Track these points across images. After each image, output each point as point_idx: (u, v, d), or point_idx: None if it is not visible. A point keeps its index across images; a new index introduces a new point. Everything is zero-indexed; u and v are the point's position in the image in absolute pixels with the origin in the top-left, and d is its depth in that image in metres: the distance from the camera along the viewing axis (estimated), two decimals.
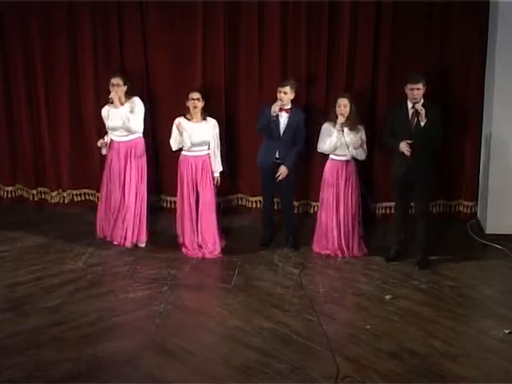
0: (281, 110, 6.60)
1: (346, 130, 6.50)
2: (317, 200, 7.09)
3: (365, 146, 6.66)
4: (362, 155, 6.67)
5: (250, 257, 6.66)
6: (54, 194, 7.91)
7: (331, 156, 6.69)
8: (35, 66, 7.64)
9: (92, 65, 7.55)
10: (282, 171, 6.68)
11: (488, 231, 7.11)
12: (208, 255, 6.63)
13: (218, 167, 6.79)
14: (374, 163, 7.37)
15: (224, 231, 6.96)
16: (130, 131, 6.77)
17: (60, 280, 6.09)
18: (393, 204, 7.13)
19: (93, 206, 7.48)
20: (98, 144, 6.90)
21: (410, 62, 7.12)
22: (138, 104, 6.80)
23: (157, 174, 7.60)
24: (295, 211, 7.44)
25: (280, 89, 6.58)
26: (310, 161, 7.39)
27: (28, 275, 6.18)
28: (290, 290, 6.00)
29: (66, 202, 7.92)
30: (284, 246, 6.90)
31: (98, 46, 7.52)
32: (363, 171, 6.97)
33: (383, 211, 7.59)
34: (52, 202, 7.93)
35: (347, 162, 6.65)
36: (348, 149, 6.53)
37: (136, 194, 6.80)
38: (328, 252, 6.70)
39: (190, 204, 6.70)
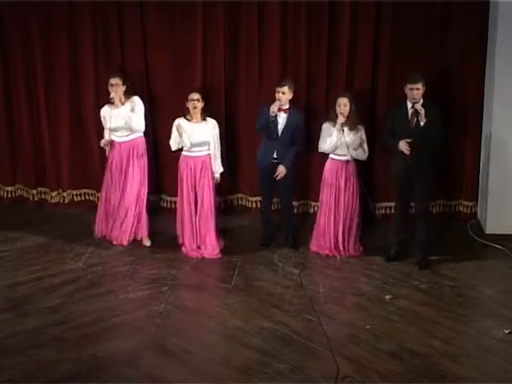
0: (279, 110, 6.60)
1: (346, 129, 6.50)
2: (317, 200, 7.09)
3: (365, 146, 6.67)
4: (362, 155, 6.68)
5: (249, 257, 6.66)
6: (54, 194, 7.91)
7: (331, 156, 6.69)
8: (35, 66, 7.64)
9: (92, 65, 7.55)
10: (280, 171, 6.68)
11: (488, 231, 7.11)
12: (207, 256, 6.63)
13: (218, 168, 6.79)
14: (373, 163, 7.36)
15: (222, 232, 6.95)
16: (132, 130, 6.77)
17: (60, 280, 6.09)
18: (393, 204, 7.13)
19: (93, 206, 7.47)
20: (101, 144, 6.89)
21: (410, 62, 7.12)
22: (138, 103, 6.80)
23: (157, 174, 7.60)
24: (295, 211, 7.44)
25: (278, 89, 6.58)
26: (309, 161, 7.39)
27: (28, 275, 6.18)
28: (290, 290, 6.00)
29: (65, 202, 7.91)
30: (284, 246, 6.89)
31: (98, 45, 7.52)
32: (363, 171, 6.97)
33: (383, 211, 7.58)
34: (52, 202, 7.92)
35: (347, 161, 6.65)
36: (348, 149, 6.53)
37: (137, 193, 6.79)
38: (326, 252, 6.69)
39: (189, 204, 6.69)
